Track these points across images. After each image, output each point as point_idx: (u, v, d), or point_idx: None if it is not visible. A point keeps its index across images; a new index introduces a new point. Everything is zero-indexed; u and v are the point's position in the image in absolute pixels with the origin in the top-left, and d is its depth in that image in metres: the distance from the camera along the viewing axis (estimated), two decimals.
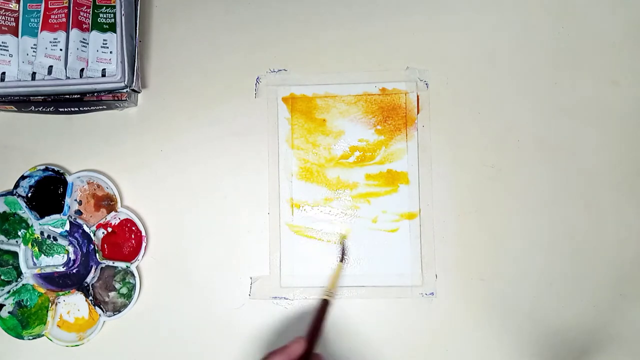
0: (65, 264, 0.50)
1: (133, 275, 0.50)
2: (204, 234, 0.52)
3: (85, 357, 0.51)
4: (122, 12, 0.49)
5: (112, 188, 0.51)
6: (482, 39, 0.53)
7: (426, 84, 0.52)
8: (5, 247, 0.51)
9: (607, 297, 0.50)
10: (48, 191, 0.52)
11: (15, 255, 0.51)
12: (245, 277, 0.51)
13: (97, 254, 0.51)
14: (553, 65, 0.52)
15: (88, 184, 0.52)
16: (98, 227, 0.51)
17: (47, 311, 0.50)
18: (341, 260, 0.50)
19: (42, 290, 0.50)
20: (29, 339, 0.50)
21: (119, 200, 0.51)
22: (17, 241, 0.52)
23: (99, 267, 0.51)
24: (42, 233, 0.51)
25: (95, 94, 0.49)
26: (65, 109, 0.51)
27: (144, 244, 0.50)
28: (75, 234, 0.51)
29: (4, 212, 0.52)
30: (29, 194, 0.52)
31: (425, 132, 0.52)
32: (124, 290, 0.51)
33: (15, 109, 0.51)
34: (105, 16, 0.50)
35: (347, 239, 0.50)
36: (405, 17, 0.53)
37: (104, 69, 0.49)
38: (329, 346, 0.50)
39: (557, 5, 0.53)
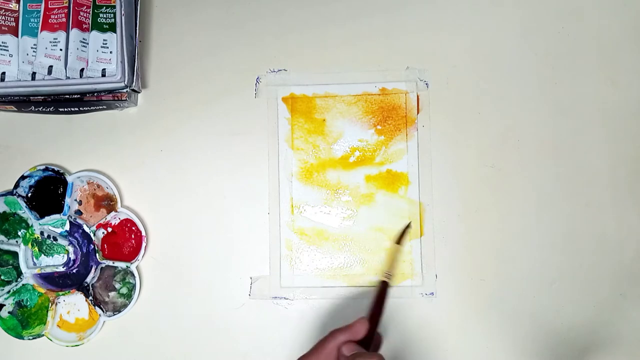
0: (65, 264, 0.50)
1: (133, 275, 0.50)
2: (204, 234, 0.52)
3: (85, 357, 0.51)
4: (122, 12, 0.49)
5: (112, 188, 0.51)
6: (482, 39, 0.53)
7: (426, 84, 0.52)
8: (5, 247, 0.51)
9: (607, 297, 0.50)
10: (48, 191, 0.52)
11: (15, 255, 0.51)
12: (245, 277, 0.51)
13: (97, 254, 0.51)
14: (553, 65, 0.52)
15: (88, 184, 0.52)
16: (98, 227, 0.51)
17: (47, 311, 0.50)
18: (398, 243, 0.48)
19: (42, 290, 0.50)
20: (29, 339, 0.50)
21: (119, 200, 0.51)
22: (17, 241, 0.52)
23: (99, 267, 0.51)
24: (42, 233, 0.51)
25: (95, 94, 0.49)
26: (65, 109, 0.51)
27: (144, 244, 0.50)
28: (75, 234, 0.51)
29: (4, 212, 0.52)
30: (29, 194, 0.52)
31: (425, 132, 0.52)
32: (124, 290, 0.51)
33: (15, 109, 0.51)
34: (105, 16, 0.50)
35: (411, 226, 0.50)
36: (405, 17, 0.53)
37: (104, 69, 0.49)
38: None
39: (557, 5, 0.53)
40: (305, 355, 0.39)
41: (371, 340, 0.41)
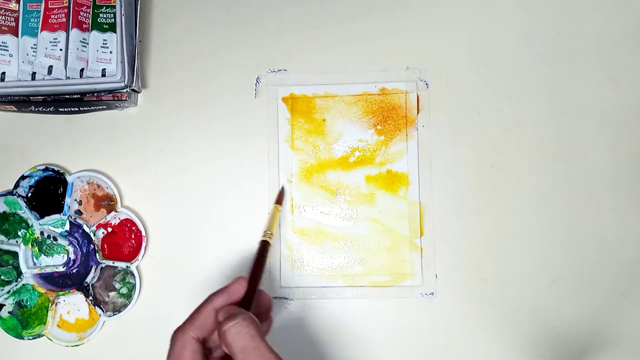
0: (65, 264, 0.50)
1: (133, 275, 0.50)
2: (204, 234, 0.52)
3: (85, 357, 0.51)
4: (122, 12, 0.49)
5: (112, 188, 0.51)
6: (482, 39, 0.53)
7: (426, 84, 0.52)
8: (5, 247, 0.51)
9: (607, 297, 0.50)
10: (48, 191, 0.52)
11: (15, 255, 0.51)
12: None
13: (97, 254, 0.51)
14: (553, 65, 0.52)
15: (88, 184, 0.52)
16: (98, 227, 0.51)
17: (47, 311, 0.50)
18: (277, 202, 0.50)
19: (42, 290, 0.50)
20: (29, 339, 0.50)
21: (119, 200, 0.51)
22: (17, 241, 0.52)
23: (99, 267, 0.51)
24: (42, 233, 0.51)
25: (95, 94, 0.49)
26: (65, 109, 0.51)
27: (144, 244, 0.50)
28: (75, 234, 0.51)
29: (4, 212, 0.52)
30: (29, 194, 0.52)
31: (425, 132, 0.52)
32: (124, 290, 0.51)
33: (15, 109, 0.51)
34: (105, 16, 0.50)
35: (285, 189, 0.51)
36: (405, 17, 0.53)
37: (104, 69, 0.49)
38: (328, 346, 0.50)
39: (557, 5, 0.53)
40: (183, 323, 0.36)
41: (251, 301, 0.39)
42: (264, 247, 0.44)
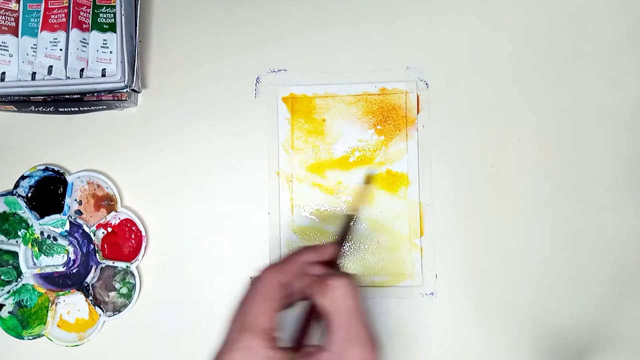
0: (65, 264, 0.50)
1: (133, 275, 0.50)
2: (204, 234, 0.52)
3: (85, 357, 0.51)
4: (122, 12, 0.49)
5: (112, 188, 0.51)
6: (482, 39, 0.53)
7: (426, 84, 0.52)
8: (5, 247, 0.51)
9: (607, 297, 0.50)
10: (48, 191, 0.52)
11: (15, 255, 0.51)
12: (245, 277, 0.51)
13: (97, 254, 0.51)
14: (553, 65, 0.52)
15: (88, 184, 0.52)
16: (98, 227, 0.51)
17: (47, 311, 0.50)
18: (367, 182, 0.50)
19: (42, 290, 0.50)
20: (29, 339, 0.50)
21: (119, 200, 0.51)
22: (17, 241, 0.52)
23: (99, 267, 0.51)
24: (42, 233, 0.51)
25: (95, 94, 0.49)
26: (65, 109, 0.51)
27: (144, 244, 0.50)
28: (75, 234, 0.51)
29: (4, 212, 0.52)
30: (29, 194, 0.52)
31: (425, 132, 0.52)
32: (124, 290, 0.51)
33: (15, 109, 0.51)
34: (105, 16, 0.50)
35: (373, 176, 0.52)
36: (405, 17, 0.53)
37: (104, 69, 0.49)
38: None
39: (557, 5, 0.53)
40: (273, 266, 0.39)
41: (337, 267, 0.41)
42: (350, 219, 0.45)
